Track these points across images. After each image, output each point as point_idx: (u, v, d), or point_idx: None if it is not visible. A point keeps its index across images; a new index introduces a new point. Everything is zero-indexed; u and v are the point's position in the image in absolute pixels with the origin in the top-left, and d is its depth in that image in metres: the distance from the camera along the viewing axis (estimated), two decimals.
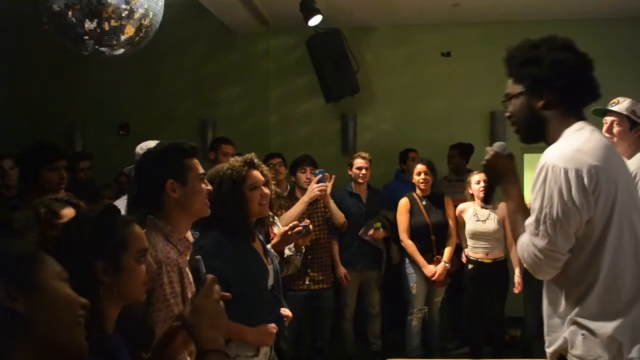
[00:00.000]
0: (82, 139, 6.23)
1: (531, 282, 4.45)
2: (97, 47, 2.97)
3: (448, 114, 5.92)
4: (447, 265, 4.43)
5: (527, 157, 5.95)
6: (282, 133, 6.04)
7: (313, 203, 3.90)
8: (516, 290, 4.38)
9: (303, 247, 2.88)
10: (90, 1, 2.79)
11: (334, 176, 4.01)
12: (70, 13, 2.83)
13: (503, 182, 1.96)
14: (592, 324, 1.70)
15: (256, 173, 2.34)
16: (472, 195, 4.45)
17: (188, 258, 1.98)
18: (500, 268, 4.45)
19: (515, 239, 1.86)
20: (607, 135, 2.94)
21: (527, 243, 1.77)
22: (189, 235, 2.09)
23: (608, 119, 2.99)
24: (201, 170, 1.99)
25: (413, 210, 4.49)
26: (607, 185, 1.67)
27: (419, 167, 4.49)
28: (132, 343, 1.44)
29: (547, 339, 1.87)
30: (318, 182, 3.72)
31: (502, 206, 4.46)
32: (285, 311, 2.45)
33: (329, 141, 6.04)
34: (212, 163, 4.17)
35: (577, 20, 5.66)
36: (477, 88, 5.89)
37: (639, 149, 2.96)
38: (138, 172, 2.05)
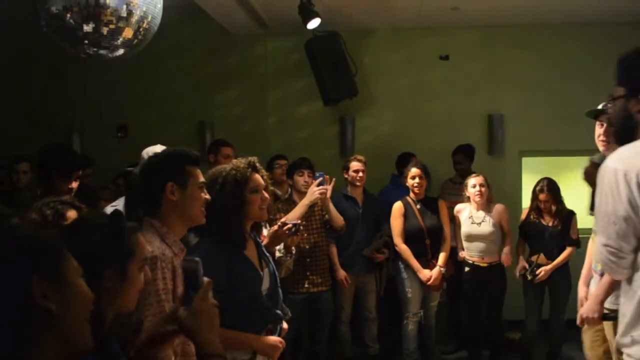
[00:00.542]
0: (81, 141, 6.22)
1: (532, 286, 4.47)
2: (95, 49, 2.97)
3: (446, 117, 5.93)
4: (442, 269, 4.43)
5: (525, 161, 5.97)
6: (281, 136, 6.04)
7: (310, 206, 3.91)
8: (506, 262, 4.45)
9: (293, 248, 2.88)
10: (88, 3, 2.79)
11: (334, 179, 4.01)
12: (68, 15, 2.82)
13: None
14: None
15: (258, 176, 2.35)
16: (469, 197, 4.47)
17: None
18: (496, 272, 4.46)
19: None
20: (604, 137, 2.77)
21: (596, 241, 1.83)
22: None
23: (605, 120, 2.77)
24: (202, 179, 2.02)
25: (407, 214, 4.48)
26: None
27: (414, 171, 4.47)
28: (121, 337, 1.44)
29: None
30: (318, 185, 3.72)
31: (497, 209, 4.46)
32: (284, 324, 2.43)
33: (328, 144, 6.04)
34: (211, 165, 4.17)
35: (576, 24, 5.69)
36: (475, 91, 5.91)
37: None
38: (142, 172, 2.09)
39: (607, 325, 2.71)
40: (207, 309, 1.32)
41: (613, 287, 2.53)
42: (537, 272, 4.39)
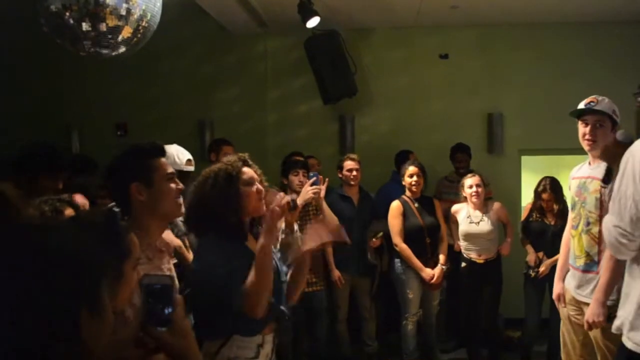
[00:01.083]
0: (79, 140, 6.22)
1: (532, 284, 4.48)
2: (94, 47, 2.96)
3: (446, 116, 5.93)
4: (444, 267, 4.44)
5: (525, 160, 5.98)
6: (280, 134, 6.04)
7: (304, 206, 3.91)
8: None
9: (295, 226, 2.89)
10: (87, 2, 2.79)
11: (327, 179, 4.01)
12: (67, 14, 2.82)
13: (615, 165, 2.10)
14: None
15: (250, 170, 2.34)
16: (466, 197, 4.47)
17: (164, 262, 1.97)
18: (492, 267, 4.47)
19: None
20: (590, 135, 2.77)
21: (606, 221, 1.95)
22: (170, 237, 2.07)
23: (590, 119, 2.78)
24: (169, 170, 1.96)
25: (406, 213, 4.46)
26: None
27: (411, 170, 4.46)
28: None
29: (618, 312, 2.04)
30: (312, 184, 3.72)
31: (496, 208, 4.47)
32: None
33: (327, 142, 6.04)
34: (212, 164, 4.16)
35: (575, 23, 5.69)
36: (474, 90, 5.91)
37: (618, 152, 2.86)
38: (105, 177, 2.04)
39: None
40: (187, 327, 1.28)
41: (612, 287, 2.55)
42: (540, 269, 4.41)
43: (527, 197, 5.02)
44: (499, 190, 5.18)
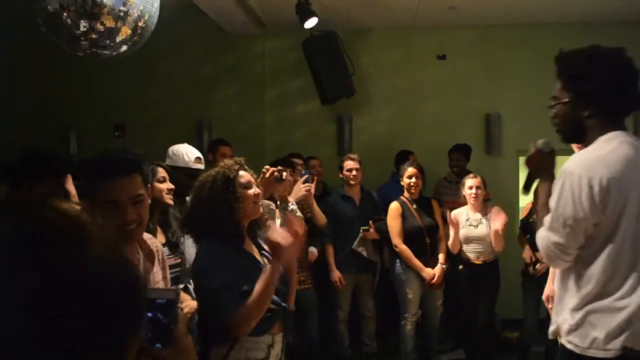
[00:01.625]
0: (77, 140, 6.21)
1: (530, 285, 4.47)
2: (92, 48, 2.96)
3: (444, 116, 5.93)
4: (444, 266, 4.44)
5: (522, 160, 5.98)
6: (278, 135, 6.04)
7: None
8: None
9: (290, 199, 2.96)
10: (85, 2, 2.79)
11: (315, 178, 4.01)
12: (65, 14, 2.82)
13: (540, 177, 2.13)
14: (590, 316, 1.91)
15: (247, 173, 2.34)
16: (465, 196, 4.47)
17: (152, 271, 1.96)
18: (490, 269, 4.47)
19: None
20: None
21: (544, 237, 2.00)
22: (148, 237, 2.05)
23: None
24: (107, 198, 1.73)
25: (405, 214, 4.47)
26: (617, 196, 1.83)
27: (410, 171, 4.46)
28: None
29: (553, 319, 2.11)
30: (304, 182, 3.72)
31: (494, 211, 4.47)
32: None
33: (325, 143, 6.04)
34: (210, 164, 4.16)
35: (574, 23, 5.69)
36: (472, 90, 5.92)
37: None
38: None
39: None
40: (190, 345, 1.25)
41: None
42: (537, 267, 4.41)
43: (525, 198, 5.02)
44: (497, 190, 5.18)
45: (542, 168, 2.12)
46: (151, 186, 2.16)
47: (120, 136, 6.18)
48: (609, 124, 1.95)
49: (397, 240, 4.44)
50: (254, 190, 2.31)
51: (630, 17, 5.46)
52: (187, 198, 3.38)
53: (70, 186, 2.59)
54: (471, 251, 4.44)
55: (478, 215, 4.41)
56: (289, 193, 3.38)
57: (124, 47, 3.09)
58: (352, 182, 4.58)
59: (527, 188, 2.37)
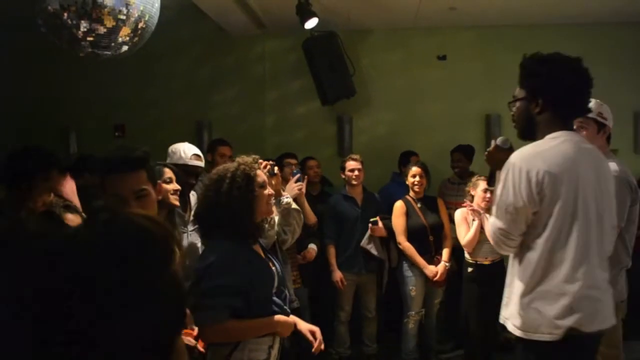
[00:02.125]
0: (77, 141, 6.21)
1: None
2: (92, 48, 2.96)
3: (444, 117, 5.93)
4: (447, 264, 4.45)
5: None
6: (278, 135, 6.04)
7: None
8: None
9: (286, 194, 3.05)
10: (85, 3, 2.78)
11: (306, 177, 3.99)
12: (65, 14, 2.82)
13: (498, 170, 2.25)
14: (535, 303, 2.07)
15: (262, 173, 2.34)
16: (473, 196, 4.44)
17: None
18: (497, 269, 4.45)
19: None
20: None
21: (491, 223, 2.19)
22: None
23: (575, 122, 2.65)
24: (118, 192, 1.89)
25: (409, 213, 4.50)
26: (552, 188, 2.01)
27: (414, 170, 4.51)
28: None
29: (503, 304, 2.27)
30: (296, 181, 3.72)
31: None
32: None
33: (325, 144, 6.04)
34: (209, 164, 4.17)
35: (574, 25, 5.70)
36: (472, 91, 5.91)
37: (608, 154, 2.78)
38: None
39: None
40: (183, 347, 1.24)
41: None
42: None
43: None
44: None
45: (499, 163, 2.24)
46: (160, 183, 2.20)
47: (121, 137, 6.18)
48: (556, 124, 2.13)
49: (401, 238, 4.47)
50: (268, 190, 2.31)
51: (630, 18, 5.46)
52: (191, 195, 3.39)
53: (62, 185, 2.62)
54: (480, 252, 4.43)
55: (486, 217, 4.40)
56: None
57: (125, 48, 3.08)
58: (354, 182, 4.58)
59: (490, 182, 2.56)
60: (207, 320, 2.04)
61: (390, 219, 4.57)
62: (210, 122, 6.12)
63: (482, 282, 4.44)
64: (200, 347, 2.26)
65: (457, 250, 4.61)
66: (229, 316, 2.04)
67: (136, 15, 2.96)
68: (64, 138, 6.13)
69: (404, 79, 6.02)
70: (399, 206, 4.52)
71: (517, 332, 2.12)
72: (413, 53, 6.02)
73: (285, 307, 2.30)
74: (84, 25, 2.82)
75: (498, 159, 2.33)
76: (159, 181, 2.74)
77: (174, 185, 2.84)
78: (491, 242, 2.25)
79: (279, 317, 2.19)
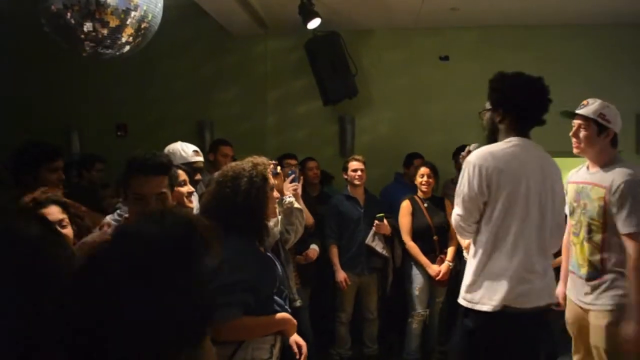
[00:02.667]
0: (80, 140, 6.22)
1: None
2: (96, 48, 2.96)
3: (446, 118, 5.93)
4: (450, 264, 4.45)
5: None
6: (280, 135, 6.04)
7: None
8: None
9: (288, 193, 3.12)
10: (89, 2, 2.79)
11: (302, 177, 4.00)
12: (69, 14, 2.82)
13: None
14: (481, 279, 2.42)
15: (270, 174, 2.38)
16: None
17: None
18: None
19: None
20: (574, 139, 2.84)
21: (454, 211, 2.55)
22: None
23: (575, 122, 2.84)
24: (138, 190, 2.02)
25: (415, 212, 4.52)
26: (498, 183, 2.38)
27: (423, 170, 4.55)
28: None
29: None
30: (291, 181, 3.72)
31: None
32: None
33: (327, 144, 6.04)
34: (211, 164, 4.17)
35: (575, 25, 5.69)
36: (474, 92, 5.86)
37: (616, 158, 2.77)
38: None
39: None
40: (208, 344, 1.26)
41: None
42: None
43: None
44: None
45: None
46: (178, 189, 2.35)
47: (123, 136, 6.19)
48: (512, 131, 2.52)
49: (406, 237, 4.50)
50: (276, 192, 2.39)
51: (631, 19, 5.45)
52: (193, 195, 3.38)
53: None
54: None
55: None
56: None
57: (127, 47, 3.09)
58: (357, 183, 4.58)
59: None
60: (224, 318, 2.03)
61: (392, 218, 4.58)
62: (212, 121, 6.12)
63: None
64: None
65: (461, 250, 4.61)
66: (243, 312, 2.06)
67: (139, 14, 2.96)
68: (66, 138, 6.13)
69: (406, 79, 6.02)
70: (404, 205, 4.54)
71: (463, 302, 2.47)
72: (415, 53, 6.02)
73: (285, 306, 2.31)
74: (87, 25, 2.82)
75: None
76: (176, 187, 2.76)
77: (188, 188, 2.86)
78: (454, 228, 2.59)
79: (288, 316, 2.24)
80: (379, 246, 4.51)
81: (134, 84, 6.10)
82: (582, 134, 2.80)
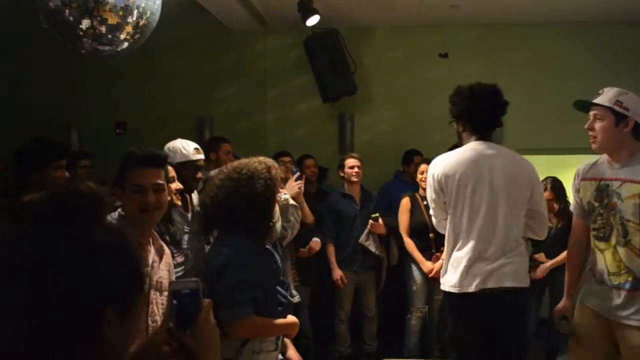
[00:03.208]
0: (79, 138, 6.21)
1: (532, 285, 4.44)
2: (94, 45, 2.95)
3: (446, 115, 5.84)
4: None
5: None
6: (280, 133, 6.04)
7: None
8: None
9: (284, 190, 3.12)
10: None
11: (304, 176, 3.99)
12: (67, 11, 2.81)
13: None
14: (449, 265, 2.83)
15: None
16: None
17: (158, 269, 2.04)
18: None
19: None
20: (590, 133, 2.53)
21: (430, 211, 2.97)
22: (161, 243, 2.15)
23: (591, 114, 2.53)
24: (138, 182, 2.04)
25: (413, 210, 4.53)
26: (448, 184, 2.76)
27: (423, 167, 4.53)
28: None
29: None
30: (296, 180, 3.71)
31: None
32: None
33: (327, 141, 6.03)
34: (213, 163, 4.12)
35: (576, 23, 5.69)
36: None
37: (639, 148, 2.46)
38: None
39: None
40: (212, 331, 1.26)
41: None
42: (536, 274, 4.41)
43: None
44: None
45: None
46: (169, 185, 2.37)
47: (122, 134, 6.18)
48: (470, 137, 2.83)
49: (404, 234, 4.51)
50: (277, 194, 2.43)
51: (632, 16, 5.44)
52: (193, 194, 3.37)
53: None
54: None
55: None
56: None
57: (126, 45, 3.08)
58: (354, 179, 4.58)
59: None
60: (235, 317, 2.08)
61: (389, 216, 4.58)
62: (212, 119, 6.11)
63: None
64: None
65: None
66: (254, 310, 2.11)
67: (138, 12, 2.95)
68: (65, 136, 6.12)
69: (406, 77, 6.01)
70: (404, 202, 4.56)
71: (445, 288, 2.85)
72: (415, 50, 6.01)
73: (288, 297, 2.36)
74: (85, 22, 2.82)
75: None
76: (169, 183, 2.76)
77: (177, 185, 2.88)
78: (435, 223, 3.01)
79: (294, 320, 2.30)
80: (372, 245, 4.52)
81: (133, 82, 6.09)
82: (597, 125, 2.48)
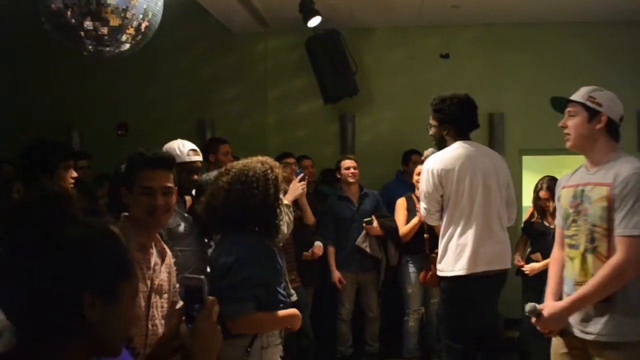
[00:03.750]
0: (80, 139, 6.22)
1: (529, 285, 4.46)
2: (96, 46, 2.96)
3: None
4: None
5: (525, 159, 5.98)
6: (281, 134, 6.04)
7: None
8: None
9: (296, 191, 3.37)
10: (89, 1, 2.79)
11: (306, 177, 4.00)
12: (69, 13, 2.82)
13: None
14: (448, 252, 3.18)
15: None
16: None
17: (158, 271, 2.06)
18: None
19: None
20: (565, 130, 2.45)
21: (420, 204, 3.42)
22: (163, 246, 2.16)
23: (565, 111, 2.45)
24: (147, 184, 2.02)
25: (409, 210, 4.53)
26: (447, 179, 3.16)
27: (419, 168, 4.50)
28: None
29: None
30: (300, 181, 3.71)
31: None
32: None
33: (328, 142, 6.03)
34: (212, 165, 4.11)
35: (576, 23, 5.69)
36: (475, 90, 5.81)
37: (619, 152, 2.37)
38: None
39: None
40: (208, 329, 1.26)
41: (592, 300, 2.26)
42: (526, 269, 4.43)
43: (527, 198, 5.01)
44: None
45: None
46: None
47: (123, 135, 6.18)
48: (455, 138, 3.27)
49: (400, 230, 4.51)
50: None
51: (632, 16, 5.45)
52: (188, 195, 3.34)
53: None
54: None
55: None
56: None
57: (127, 46, 3.09)
58: (350, 180, 4.59)
59: None
60: (238, 313, 2.14)
61: (388, 217, 4.58)
62: (213, 120, 6.11)
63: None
64: None
65: None
66: (256, 307, 2.17)
67: (140, 13, 2.96)
68: (66, 137, 6.13)
69: (407, 77, 6.01)
70: (400, 202, 4.59)
71: (439, 272, 3.24)
72: (416, 51, 6.01)
73: (286, 296, 2.42)
74: (87, 24, 2.82)
75: None
76: None
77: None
78: (424, 216, 3.44)
79: (295, 311, 2.36)
80: (368, 247, 4.52)
81: (135, 83, 6.10)
82: (570, 122, 2.40)
